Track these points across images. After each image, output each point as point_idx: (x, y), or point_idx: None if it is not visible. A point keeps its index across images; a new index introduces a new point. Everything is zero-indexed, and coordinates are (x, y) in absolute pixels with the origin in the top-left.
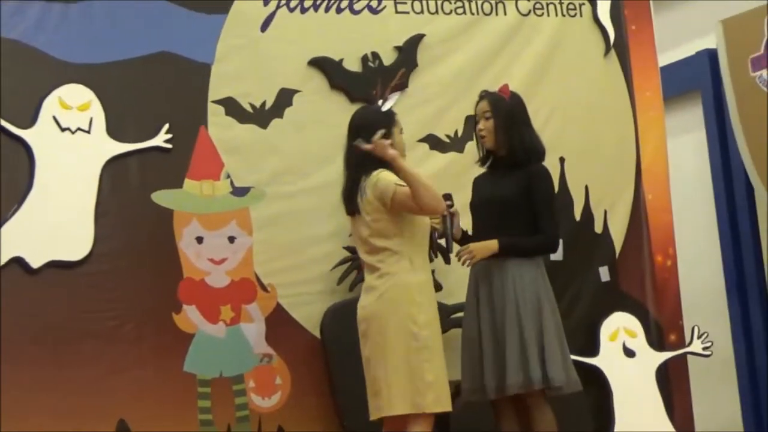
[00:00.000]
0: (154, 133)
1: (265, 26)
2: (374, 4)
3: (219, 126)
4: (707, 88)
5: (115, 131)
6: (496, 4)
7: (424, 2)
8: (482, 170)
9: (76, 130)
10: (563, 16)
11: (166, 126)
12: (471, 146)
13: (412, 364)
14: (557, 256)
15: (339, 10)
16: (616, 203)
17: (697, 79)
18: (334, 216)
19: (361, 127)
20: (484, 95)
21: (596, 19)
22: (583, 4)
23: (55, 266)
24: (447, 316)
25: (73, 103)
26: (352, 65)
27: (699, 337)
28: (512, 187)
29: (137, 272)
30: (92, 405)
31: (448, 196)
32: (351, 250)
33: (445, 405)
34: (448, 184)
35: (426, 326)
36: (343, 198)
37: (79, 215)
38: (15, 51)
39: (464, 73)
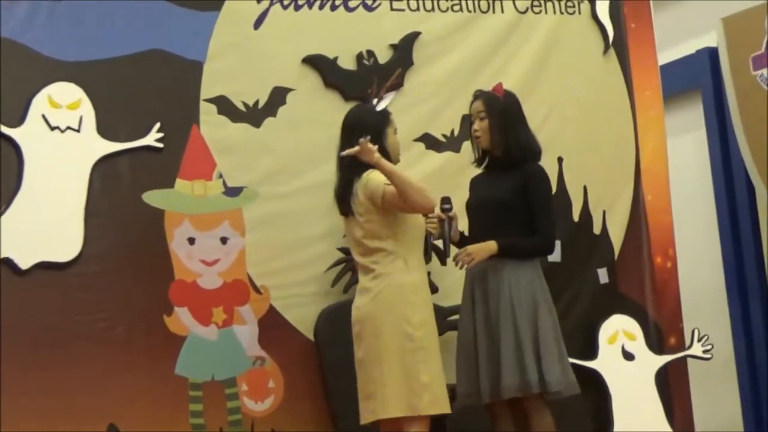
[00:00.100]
0: (145, 132)
1: (258, 24)
2: (369, 1)
3: (211, 125)
4: (707, 87)
5: (105, 130)
6: (493, 1)
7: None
8: (480, 171)
9: (65, 129)
10: (561, 13)
11: (158, 125)
12: (467, 146)
13: (407, 365)
14: (555, 257)
15: (333, 8)
16: (615, 204)
17: (697, 78)
18: (329, 216)
19: (355, 127)
20: (479, 95)
21: (595, 17)
22: (582, 1)
23: (44, 267)
24: (443, 318)
25: (63, 102)
26: (347, 63)
27: (699, 340)
28: (508, 188)
29: (128, 273)
30: (82, 408)
31: (446, 200)
32: (345, 251)
33: (442, 407)
34: (445, 184)
35: (421, 327)
36: (336, 199)
37: (69, 215)
38: (3, 49)
39: (461, 72)
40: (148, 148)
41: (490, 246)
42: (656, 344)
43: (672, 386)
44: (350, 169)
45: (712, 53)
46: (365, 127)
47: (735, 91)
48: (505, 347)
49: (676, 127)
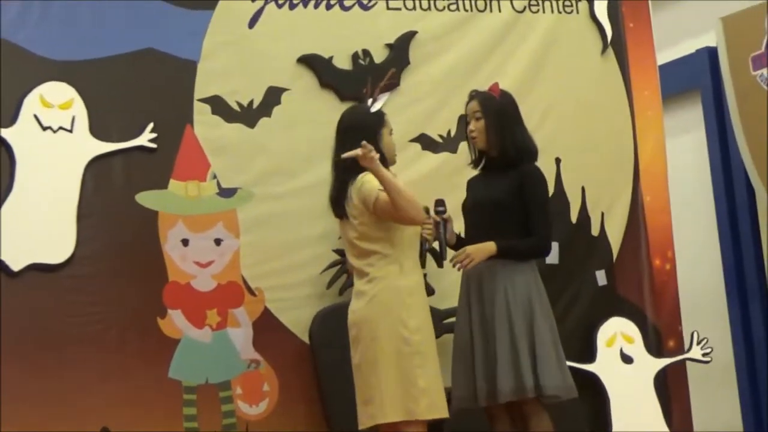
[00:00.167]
0: (139, 133)
1: (252, 23)
2: (365, 0)
3: (205, 125)
4: (707, 87)
5: (98, 130)
6: (491, 0)
7: None
8: (476, 172)
9: (57, 129)
10: (559, 13)
11: (151, 125)
12: (464, 146)
13: (404, 369)
14: (553, 259)
15: (329, 7)
16: (613, 205)
17: (696, 78)
18: (324, 218)
19: (350, 128)
20: (474, 95)
21: (593, 16)
22: (580, 0)
23: (36, 269)
24: (440, 320)
25: (55, 101)
26: (342, 63)
27: (698, 343)
28: (504, 188)
29: (121, 275)
30: (75, 412)
31: (440, 202)
32: (341, 252)
33: (440, 411)
34: (441, 185)
35: (417, 331)
36: (331, 201)
37: (61, 217)
38: None
39: (457, 71)
40: (141, 149)
41: (489, 247)
42: (655, 347)
43: (671, 389)
44: (345, 171)
45: (711, 53)
46: (360, 129)
47: (734, 92)
48: (501, 351)
49: (675, 127)
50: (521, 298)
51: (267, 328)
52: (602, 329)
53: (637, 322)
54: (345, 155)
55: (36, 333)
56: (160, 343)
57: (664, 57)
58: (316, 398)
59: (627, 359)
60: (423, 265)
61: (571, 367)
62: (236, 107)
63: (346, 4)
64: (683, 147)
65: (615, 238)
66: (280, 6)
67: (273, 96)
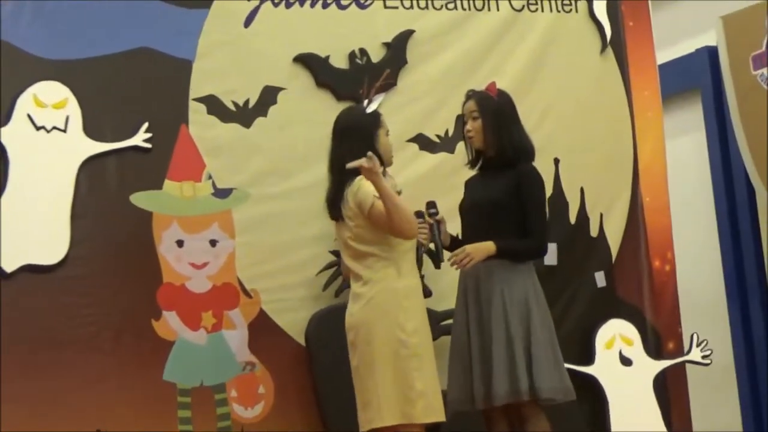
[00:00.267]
0: (133, 133)
1: (248, 21)
2: None
3: (200, 125)
4: (707, 87)
5: (92, 130)
6: None
7: None
8: (474, 172)
9: (51, 129)
10: (558, 11)
11: (146, 125)
12: (462, 147)
13: (401, 372)
14: (551, 260)
15: (325, 5)
16: (612, 206)
17: (696, 78)
18: (320, 219)
19: (346, 129)
20: (471, 94)
21: (592, 15)
22: None
23: (29, 270)
24: (437, 322)
25: (49, 101)
26: (339, 62)
27: (698, 345)
28: (502, 189)
29: (115, 277)
30: (68, 415)
31: (432, 204)
32: (337, 254)
33: (437, 414)
34: (439, 185)
35: (415, 333)
36: (327, 203)
37: (55, 217)
38: None
39: (455, 71)
40: (135, 149)
41: (488, 246)
42: (654, 349)
43: (670, 392)
44: (342, 173)
45: (711, 52)
46: (356, 130)
47: (735, 91)
48: (497, 353)
49: (675, 127)
50: (518, 300)
51: (263, 330)
52: (601, 331)
53: (636, 324)
54: (350, 165)
55: (29, 334)
56: (154, 345)
57: (663, 56)
58: (312, 401)
59: (626, 361)
60: (420, 267)
61: (569, 370)
62: (232, 107)
63: (343, 2)
64: (683, 147)
65: (614, 239)
66: (276, 5)
67: (269, 95)
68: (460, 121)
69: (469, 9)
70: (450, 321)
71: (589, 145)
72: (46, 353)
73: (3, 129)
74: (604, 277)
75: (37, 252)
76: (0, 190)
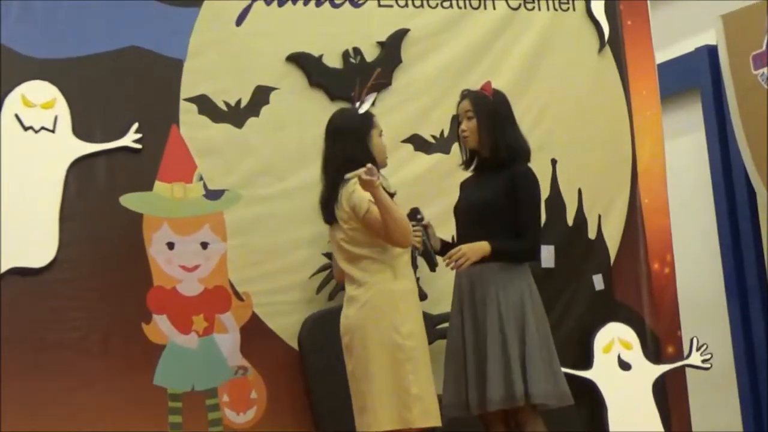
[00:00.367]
0: (123, 133)
1: (240, 20)
2: None
3: (191, 125)
4: (707, 87)
5: (81, 130)
6: None
7: None
8: (469, 173)
9: (39, 129)
10: (555, 10)
11: (136, 125)
12: (457, 147)
13: (397, 376)
14: (548, 263)
15: (318, 3)
16: (610, 207)
17: (696, 77)
18: (313, 220)
19: (339, 130)
20: (466, 94)
21: (590, 14)
22: None
23: (17, 273)
24: (432, 326)
25: (37, 101)
26: (333, 61)
27: (698, 349)
28: (496, 189)
29: (104, 280)
30: (56, 419)
31: (416, 211)
32: (331, 256)
33: (433, 418)
34: (434, 186)
35: (410, 337)
36: (321, 206)
37: (43, 219)
38: None
39: (451, 70)
40: (125, 149)
41: (483, 246)
42: (653, 353)
43: (670, 397)
44: (336, 174)
45: (711, 52)
46: (349, 131)
47: (735, 91)
48: (492, 358)
49: (675, 127)
50: (513, 304)
51: (255, 333)
52: (599, 335)
53: (635, 328)
54: (349, 175)
55: (17, 338)
56: (144, 349)
57: (662, 56)
58: (305, 406)
59: (625, 366)
60: (414, 270)
61: (567, 374)
62: (223, 107)
63: (337, 1)
64: (682, 148)
65: (612, 241)
66: (268, 3)
67: (261, 95)
68: (456, 121)
69: (465, 7)
70: (446, 324)
71: (587, 145)
72: (34, 356)
73: None
74: (603, 280)
75: (24, 254)
76: None
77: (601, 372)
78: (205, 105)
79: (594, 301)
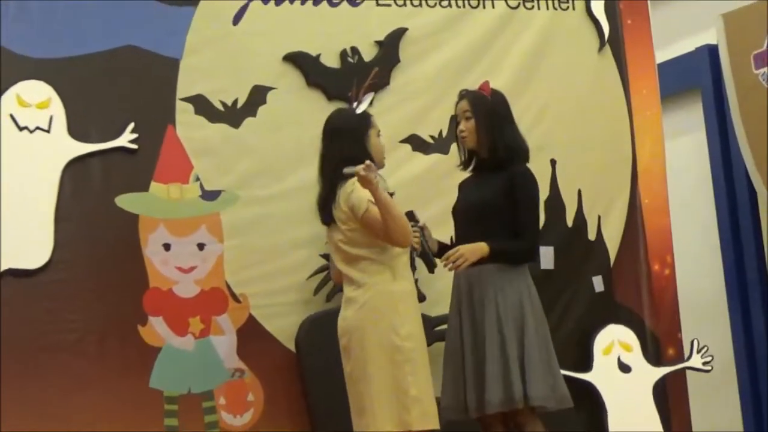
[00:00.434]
0: (119, 133)
1: (237, 19)
2: None
3: (188, 125)
4: (707, 86)
5: (76, 130)
6: None
7: None
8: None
9: (34, 130)
10: (555, 9)
11: (132, 125)
12: (456, 148)
13: (395, 378)
14: (548, 264)
15: (316, 2)
16: (610, 208)
17: (696, 77)
18: (311, 221)
19: (336, 130)
20: (464, 94)
21: (590, 13)
22: None
23: (11, 275)
24: (431, 328)
25: (32, 101)
26: (330, 61)
27: (699, 351)
28: (494, 190)
29: (100, 281)
30: (51, 423)
31: (411, 214)
32: (328, 257)
33: (432, 421)
34: (432, 187)
35: (409, 338)
36: (318, 207)
37: (38, 220)
38: None
39: (449, 70)
40: (121, 150)
41: (482, 247)
42: (654, 355)
43: (670, 398)
44: (334, 174)
45: (712, 51)
46: (347, 131)
47: (736, 91)
48: (490, 360)
49: (675, 127)
50: (512, 305)
51: (252, 335)
52: (599, 337)
53: (635, 330)
54: (346, 170)
55: (11, 340)
56: (140, 351)
57: (663, 55)
58: (303, 409)
59: (625, 368)
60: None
61: (566, 377)
62: (220, 107)
63: (334, 0)
64: (683, 148)
65: (612, 242)
66: (265, 2)
67: (258, 95)
68: (454, 121)
69: (464, 6)
70: (444, 326)
71: (587, 145)
72: (29, 358)
73: None
74: (602, 282)
75: (19, 256)
76: None
77: (601, 374)
78: (201, 105)
79: (594, 302)
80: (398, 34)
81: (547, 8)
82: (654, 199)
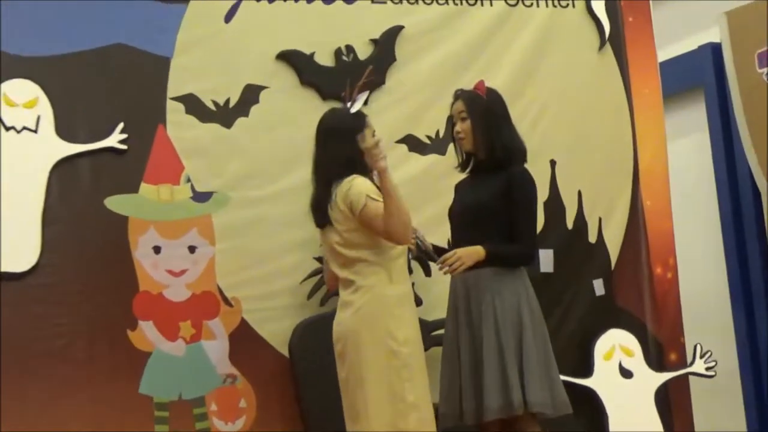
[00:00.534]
0: (108, 133)
1: (229, 17)
2: None
3: (179, 125)
4: (710, 86)
5: (64, 130)
6: None
7: None
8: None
9: (21, 129)
10: (554, 6)
11: (121, 125)
12: (453, 148)
13: (392, 384)
14: (548, 267)
15: (310, 0)
16: (611, 210)
17: (699, 76)
18: (304, 224)
19: (330, 130)
20: (459, 94)
21: (590, 11)
22: None
23: None
24: (428, 333)
25: (19, 100)
26: (325, 60)
27: (702, 356)
28: (491, 192)
29: (89, 285)
30: (39, 428)
31: None
32: (322, 260)
33: (429, 427)
34: (429, 188)
35: (406, 343)
36: (312, 208)
37: (25, 222)
38: None
39: (446, 69)
40: (110, 150)
41: (478, 250)
42: (656, 360)
43: (673, 404)
44: (329, 173)
45: (715, 49)
46: (341, 131)
47: (739, 90)
48: (488, 366)
49: (677, 127)
50: (510, 309)
51: (244, 340)
52: (600, 342)
53: (636, 334)
54: (363, 144)
55: None
56: (130, 356)
57: (665, 54)
58: (296, 415)
59: (626, 373)
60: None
61: (566, 382)
62: (212, 106)
63: None
64: (685, 148)
65: (613, 245)
66: None
67: (251, 94)
68: (451, 122)
69: (461, 4)
70: (442, 331)
71: (587, 146)
72: (16, 364)
73: None
74: (603, 285)
75: (6, 259)
76: None
77: (602, 380)
78: (192, 104)
79: (594, 306)
80: (394, 32)
81: (547, 5)
82: (656, 200)
